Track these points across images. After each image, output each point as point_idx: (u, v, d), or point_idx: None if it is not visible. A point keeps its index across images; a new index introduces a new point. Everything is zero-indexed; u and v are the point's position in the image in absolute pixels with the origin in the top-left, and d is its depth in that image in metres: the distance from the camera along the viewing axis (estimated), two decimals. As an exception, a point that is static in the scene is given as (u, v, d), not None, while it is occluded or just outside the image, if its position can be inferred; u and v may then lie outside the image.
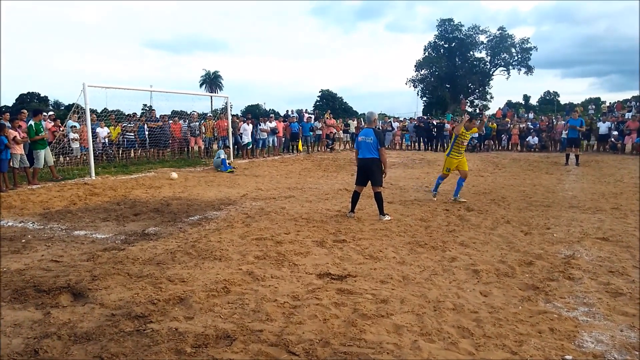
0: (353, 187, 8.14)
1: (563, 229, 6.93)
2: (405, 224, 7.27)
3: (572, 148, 16.61)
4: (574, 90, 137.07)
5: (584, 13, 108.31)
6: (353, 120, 28.12)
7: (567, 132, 17.54)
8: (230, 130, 18.66)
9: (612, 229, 6.90)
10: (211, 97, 30.78)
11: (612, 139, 21.09)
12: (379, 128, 11.28)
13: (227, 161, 15.66)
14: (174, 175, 13.01)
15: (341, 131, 26.16)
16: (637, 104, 30.31)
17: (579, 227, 7.05)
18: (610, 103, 35.51)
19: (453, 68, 56.63)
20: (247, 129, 19.26)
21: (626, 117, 23.55)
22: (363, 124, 23.56)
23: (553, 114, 34.20)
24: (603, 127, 21.74)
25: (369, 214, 7.95)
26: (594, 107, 35.96)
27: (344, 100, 69.14)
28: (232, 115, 20.43)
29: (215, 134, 19.83)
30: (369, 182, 7.67)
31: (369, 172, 7.59)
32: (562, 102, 63.23)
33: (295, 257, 5.49)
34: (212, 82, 68.30)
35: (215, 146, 19.45)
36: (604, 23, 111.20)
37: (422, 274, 4.94)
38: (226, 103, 19.68)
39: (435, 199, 9.46)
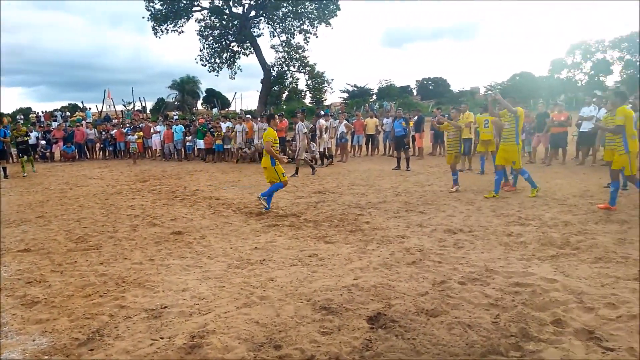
0: None
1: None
2: None
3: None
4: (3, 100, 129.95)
5: (9, 22, 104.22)
6: None
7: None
8: None
9: (35, 238, 6.90)
10: None
11: (42, 149, 21.29)
12: None
13: None
14: None
15: None
16: (64, 114, 32.15)
17: None
18: (39, 113, 35.93)
19: None
20: None
21: (53, 126, 24.42)
22: None
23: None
24: (33, 137, 21.55)
25: None
26: (22, 117, 35.24)
27: None
28: None
29: None
30: None
31: None
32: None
33: None
34: None
35: None
36: (28, 34, 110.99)
37: None
38: None
39: None
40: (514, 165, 8.83)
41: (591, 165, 12.63)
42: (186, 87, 53.91)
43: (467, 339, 3.32)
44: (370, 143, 18.50)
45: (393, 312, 3.80)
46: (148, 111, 44.81)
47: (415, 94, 70.79)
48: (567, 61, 59.53)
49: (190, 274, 5.12)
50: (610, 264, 4.82)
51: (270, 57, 41.40)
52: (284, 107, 43.28)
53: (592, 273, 4.58)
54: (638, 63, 55.76)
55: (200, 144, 19.36)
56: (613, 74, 58.76)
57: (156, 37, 37.29)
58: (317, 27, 38.46)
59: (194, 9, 38.10)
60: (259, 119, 18.29)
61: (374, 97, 56.91)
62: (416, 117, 17.16)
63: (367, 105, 36.34)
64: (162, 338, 3.57)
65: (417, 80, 75.01)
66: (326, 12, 37.56)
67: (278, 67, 41.18)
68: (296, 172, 13.03)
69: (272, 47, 40.28)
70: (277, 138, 8.88)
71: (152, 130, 21.07)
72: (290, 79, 42.94)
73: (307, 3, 37.32)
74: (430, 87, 72.71)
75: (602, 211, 7.20)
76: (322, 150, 15.72)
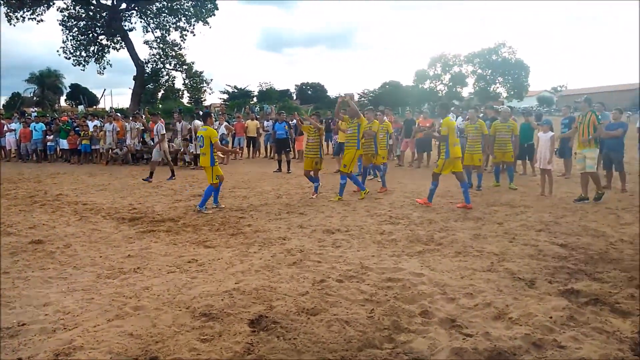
0: None
1: None
2: None
3: None
4: None
5: None
6: None
7: None
8: None
9: None
10: None
11: None
12: None
13: None
14: None
15: None
16: None
17: None
18: None
19: None
20: None
21: None
22: None
23: None
24: None
25: None
26: None
27: None
28: None
29: None
30: None
31: None
32: None
33: None
34: None
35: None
36: None
37: None
38: None
39: None
40: (344, 167, 9.08)
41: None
42: (47, 81, 48.75)
43: (345, 334, 3.47)
44: (251, 145, 18.42)
45: (275, 314, 3.83)
46: (0, 107, 39.67)
47: (295, 97, 72.22)
48: (429, 73, 65.34)
49: (53, 286, 4.63)
50: (468, 257, 5.39)
51: (144, 53, 39.17)
52: (160, 106, 41.24)
53: (453, 266, 5.08)
54: (488, 77, 63.23)
55: (64, 143, 17.63)
56: (468, 85, 65.90)
57: (10, 24, 33.13)
58: (194, 24, 37.32)
59: (55, -4, 34.60)
60: (131, 118, 17.18)
61: (255, 99, 56.91)
62: (294, 121, 17.47)
63: (247, 107, 36.13)
64: (20, 359, 3.18)
65: (296, 85, 76.78)
66: (203, 11, 36.61)
67: (152, 64, 39.16)
68: (150, 176, 12.10)
69: (146, 42, 38.20)
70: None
71: (5, 128, 18.67)
72: (166, 77, 41.10)
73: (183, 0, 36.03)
74: (309, 92, 74.77)
75: (460, 210, 8.02)
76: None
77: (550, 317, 3.69)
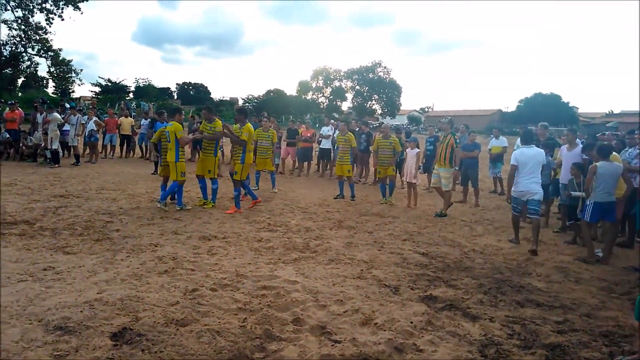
0: None
1: None
2: None
3: None
4: None
5: None
6: None
7: None
8: None
9: None
10: None
11: None
12: None
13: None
14: None
15: None
16: None
17: None
18: None
19: None
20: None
21: None
22: None
23: None
24: None
25: None
26: None
27: None
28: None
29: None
30: None
31: None
32: None
33: None
34: None
35: None
36: None
37: None
38: None
39: None
40: (209, 173, 8.80)
41: (329, 178, 14.47)
42: None
43: (216, 345, 3.40)
44: (125, 144, 17.22)
45: (140, 326, 3.62)
46: None
47: (175, 97, 69.30)
48: (312, 84, 67.33)
49: None
50: (340, 265, 5.63)
51: (1, 33, 34.73)
52: (19, 94, 36.85)
53: (326, 273, 5.26)
54: (365, 93, 66.89)
55: None
56: (347, 100, 69.15)
57: None
58: (62, 8, 34.05)
59: None
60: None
61: (131, 95, 53.45)
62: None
63: (123, 103, 33.77)
64: None
65: (177, 84, 73.78)
66: (75, -7, 33.65)
67: (11, 47, 34.85)
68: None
69: (5, 22, 33.90)
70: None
71: None
72: (28, 63, 36.85)
73: (49, -21, 32.76)
74: (191, 92, 72.32)
75: (336, 218, 8.34)
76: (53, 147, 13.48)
77: (411, 322, 3.99)
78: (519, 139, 9.13)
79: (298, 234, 7.05)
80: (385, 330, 3.83)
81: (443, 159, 9.15)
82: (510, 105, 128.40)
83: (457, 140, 9.33)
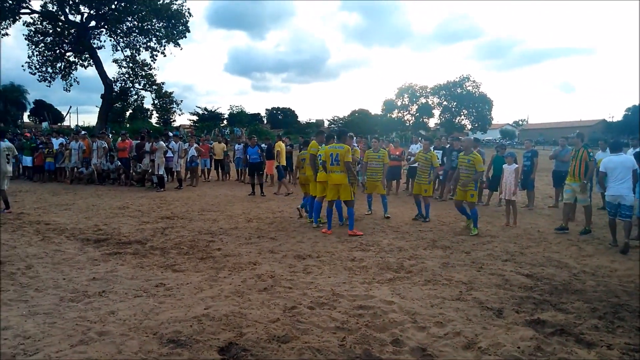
0: None
1: None
2: None
3: None
4: None
5: None
6: None
7: None
8: None
9: None
10: None
11: None
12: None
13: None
14: None
15: None
16: None
17: None
18: None
19: None
20: None
21: None
22: None
23: None
24: None
25: None
26: None
27: None
28: None
29: None
30: None
31: None
32: None
33: None
34: None
35: None
36: None
37: None
38: None
39: None
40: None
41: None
42: (10, 96, 47.32)
43: (317, 363, 3.44)
44: (219, 168, 18.26)
45: (245, 341, 3.77)
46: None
47: (265, 122, 72.40)
48: (397, 103, 66.95)
49: (13, 309, 4.43)
50: (437, 286, 5.46)
51: (113, 71, 38.72)
52: (127, 125, 40.57)
53: (423, 294, 5.13)
54: (453, 109, 65.20)
55: (27, 161, 17.03)
56: (434, 116, 67.82)
57: (-26, 37, 32.27)
58: (165, 45, 37.25)
59: (22, 10, 33.93)
60: (97, 137, 16.86)
61: (225, 122, 56.74)
62: (266, 145, 17.46)
63: (217, 129, 35.95)
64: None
65: (267, 109, 77.12)
66: (175, 32, 36.67)
67: (121, 83, 38.65)
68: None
69: (115, 61, 37.76)
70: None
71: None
72: (135, 97, 40.59)
73: (154, 20, 35.98)
74: (280, 117, 75.14)
75: (429, 237, 8.13)
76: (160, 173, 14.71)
77: (518, 347, 3.76)
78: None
79: (391, 254, 6.97)
80: (490, 355, 3.64)
81: (578, 174, 8.77)
82: (615, 114, 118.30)
83: (591, 154, 8.93)
